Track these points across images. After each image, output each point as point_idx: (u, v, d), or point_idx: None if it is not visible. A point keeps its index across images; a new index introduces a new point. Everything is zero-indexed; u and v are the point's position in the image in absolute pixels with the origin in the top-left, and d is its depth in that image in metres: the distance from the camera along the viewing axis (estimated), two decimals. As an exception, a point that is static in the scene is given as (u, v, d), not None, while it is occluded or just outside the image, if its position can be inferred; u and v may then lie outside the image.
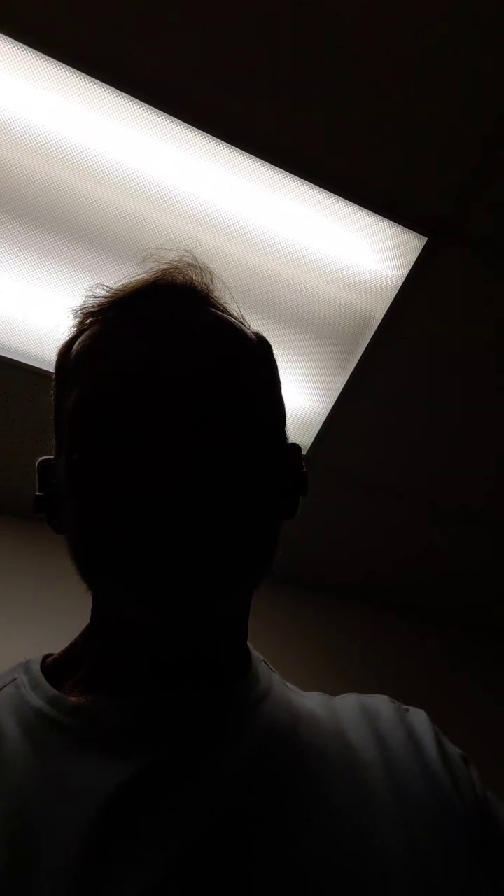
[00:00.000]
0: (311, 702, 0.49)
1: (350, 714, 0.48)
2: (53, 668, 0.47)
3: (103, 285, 0.47)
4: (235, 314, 0.51)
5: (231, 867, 0.34)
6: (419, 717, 0.48)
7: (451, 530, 1.70)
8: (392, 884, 0.35)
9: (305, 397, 1.40)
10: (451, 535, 1.71)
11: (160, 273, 0.48)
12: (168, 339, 0.44)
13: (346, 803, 0.39)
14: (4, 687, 0.45)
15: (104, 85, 0.99)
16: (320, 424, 1.45)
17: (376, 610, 1.88)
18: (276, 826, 0.37)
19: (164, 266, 0.49)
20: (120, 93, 1.00)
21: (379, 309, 1.26)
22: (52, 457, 0.50)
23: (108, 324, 0.47)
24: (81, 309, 0.48)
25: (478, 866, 0.39)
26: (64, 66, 0.97)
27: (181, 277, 0.48)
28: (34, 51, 0.95)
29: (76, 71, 0.97)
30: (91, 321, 0.48)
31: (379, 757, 0.43)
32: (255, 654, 0.50)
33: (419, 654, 1.83)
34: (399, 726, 0.47)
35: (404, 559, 1.78)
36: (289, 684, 0.51)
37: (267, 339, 0.53)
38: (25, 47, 0.95)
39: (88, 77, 0.98)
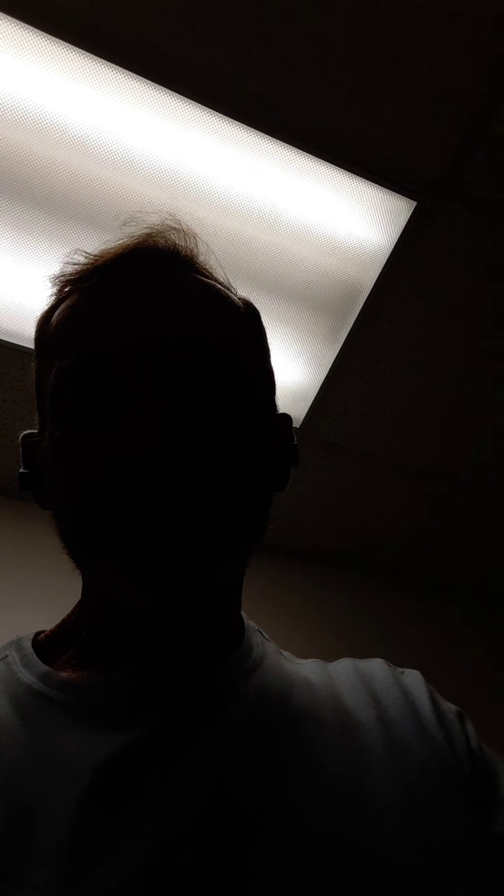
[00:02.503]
0: (306, 669, 0.49)
1: (345, 678, 0.47)
2: (45, 645, 0.47)
3: (82, 251, 0.46)
4: (221, 280, 0.49)
5: (227, 835, 0.34)
6: (414, 677, 0.48)
7: (446, 500, 1.70)
8: (391, 842, 0.35)
9: (297, 369, 1.38)
10: (446, 504, 1.71)
11: (142, 238, 0.46)
12: (152, 308, 0.43)
13: (342, 765, 0.39)
14: None
15: (79, 50, 0.95)
16: (313, 396, 1.44)
17: (371, 579, 1.89)
18: (271, 791, 0.37)
19: (146, 230, 0.47)
20: (94, 57, 0.96)
21: (369, 277, 1.23)
22: (35, 431, 0.49)
23: (88, 293, 0.45)
24: (60, 277, 0.46)
25: (472, 818, 0.39)
26: (37, 30, 0.93)
27: (164, 242, 0.46)
28: (11, 19, 0.91)
29: (50, 36, 0.94)
30: (70, 290, 0.46)
31: (374, 718, 0.43)
32: (250, 623, 0.50)
33: (416, 623, 1.85)
34: (394, 687, 0.46)
35: (399, 530, 1.79)
36: (284, 652, 0.51)
37: (255, 305, 0.51)
38: (8, 18, 0.91)
39: (62, 42, 0.94)
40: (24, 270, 1.19)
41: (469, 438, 1.54)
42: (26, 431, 0.50)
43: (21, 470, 0.48)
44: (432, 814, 0.38)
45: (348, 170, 1.09)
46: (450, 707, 0.47)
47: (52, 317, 0.47)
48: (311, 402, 1.45)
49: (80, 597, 0.49)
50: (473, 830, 0.38)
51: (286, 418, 0.52)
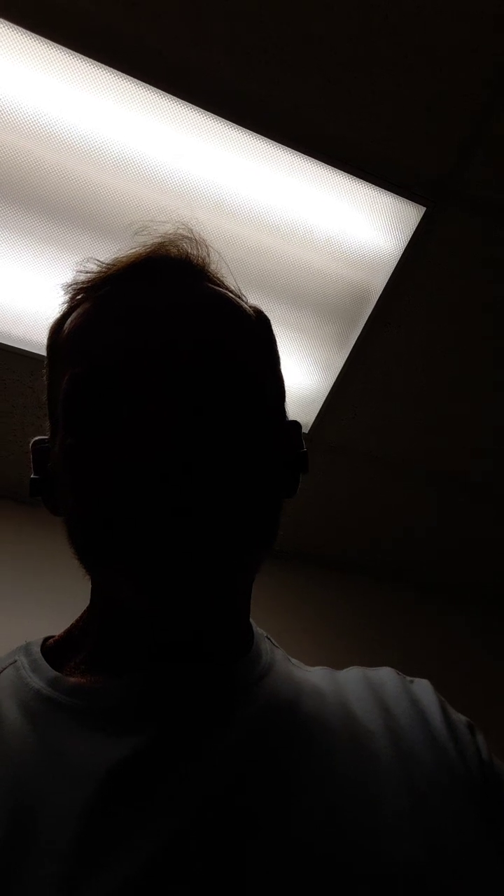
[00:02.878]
0: (315, 676, 0.49)
1: (354, 686, 0.47)
2: (54, 650, 0.47)
3: (94, 259, 0.46)
4: (233, 288, 0.50)
5: (232, 840, 0.34)
6: (424, 687, 0.48)
7: (454, 503, 1.69)
8: (398, 848, 0.35)
9: (306, 375, 1.39)
10: (454, 508, 1.70)
11: (154, 247, 0.46)
12: (163, 317, 0.43)
13: (351, 773, 0.39)
14: (4, 669, 0.45)
15: (88, 59, 0.96)
16: (322, 401, 1.44)
17: (376, 581, 1.89)
18: (278, 798, 0.36)
19: (158, 239, 0.47)
20: (105, 67, 0.97)
21: (378, 282, 1.24)
22: (46, 437, 0.49)
23: (100, 301, 0.45)
24: (72, 285, 0.47)
25: (483, 827, 0.39)
26: (45, 40, 0.94)
27: (176, 251, 0.47)
28: (14, 25, 0.92)
29: (57, 45, 0.94)
30: (82, 298, 0.46)
31: (383, 726, 0.43)
32: (259, 630, 0.50)
33: (423, 627, 1.84)
34: (404, 696, 0.46)
35: (407, 533, 1.78)
36: (293, 660, 0.51)
37: (265, 313, 0.52)
38: (6, 23, 0.92)
39: (70, 51, 0.95)
40: (34, 278, 1.20)
41: (475, 440, 1.53)
42: (37, 437, 0.50)
43: (32, 476, 0.49)
44: (442, 822, 0.38)
45: (357, 175, 1.09)
46: (460, 717, 0.47)
47: (64, 324, 0.47)
48: (319, 407, 1.45)
49: (88, 602, 0.49)
50: (484, 840, 0.38)
51: (296, 425, 0.52)
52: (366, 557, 1.86)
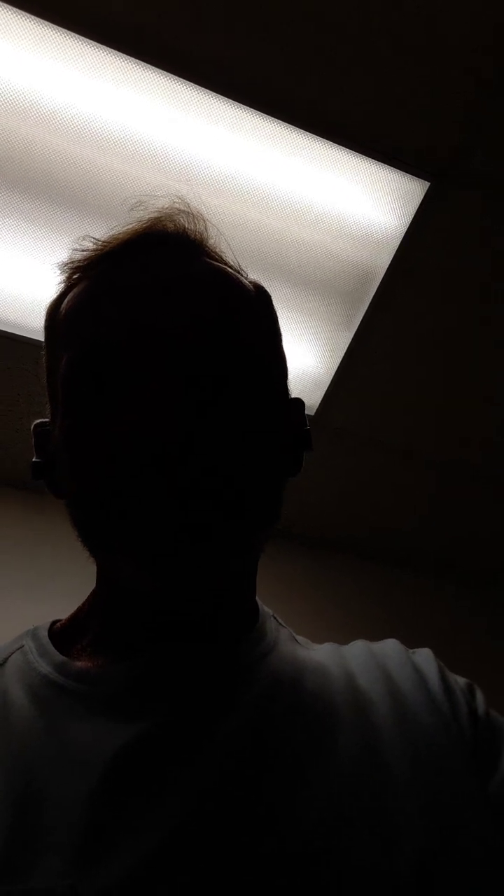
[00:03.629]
0: (320, 653, 0.49)
1: (359, 658, 0.47)
2: (61, 634, 0.47)
3: (90, 237, 0.45)
4: (231, 263, 0.49)
5: (239, 820, 0.34)
6: (425, 655, 0.49)
7: (460, 486, 1.68)
8: (401, 817, 0.36)
9: (312, 357, 1.37)
10: (461, 491, 1.69)
11: (150, 222, 0.45)
12: (161, 294, 0.42)
13: (354, 748, 0.39)
14: (12, 654, 0.45)
15: (85, 39, 0.94)
16: (328, 383, 1.42)
17: (384, 566, 1.89)
18: (283, 775, 0.36)
19: (154, 214, 0.46)
20: (102, 46, 0.95)
21: (382, 260, 1.22)
22: (47, 420, 0.49)
23: (97, 280, 0.44)
24: (68, 264, 0.46)
25: (474, 783, 0.39)
26: (41, 21, 0.92)
27: (172, 226, 0.46)
28: (8, 6, 0.91)
29: (53, 25, 0.93)
30: (79, 277, 0.45)
31: (386, 693, 0.43)
32: (264, 609, 0.49)
33: (429, 610, 1.84)
34: (407, 664, 0.47)
35: (413, 516, 1.78)
36: (299, 638, 0.51)
37: (265, 288, 0.51)
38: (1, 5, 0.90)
39: (67, 31, 0.93)
40: (37, 264, 1.19)
41: (487, 425, 1.52)
42: (38, 420, 0.50)
43: (34, 459, 0.48)
44: (438, 784, 0.38)
45: (360, 152, 1.07)
46: (459, 679, 0.47)
47: (61, 305, 0.46)
48: (325, 390, 1.44)
49: (94, 586, 0.49)
50: (476, 795, 0.39)
51: (299, 403, 0.51)
52: (372, 540, 1.85)
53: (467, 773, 0.40)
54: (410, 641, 0.51)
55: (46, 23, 0.92)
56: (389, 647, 0.49)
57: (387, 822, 0.35)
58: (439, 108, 1.02)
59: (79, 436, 0.41)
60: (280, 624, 0.50)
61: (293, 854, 0.33)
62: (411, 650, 0.50)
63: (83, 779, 0.34)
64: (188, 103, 1.02)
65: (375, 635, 0.54)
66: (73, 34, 0.94)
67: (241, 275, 0.49)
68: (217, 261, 0.47)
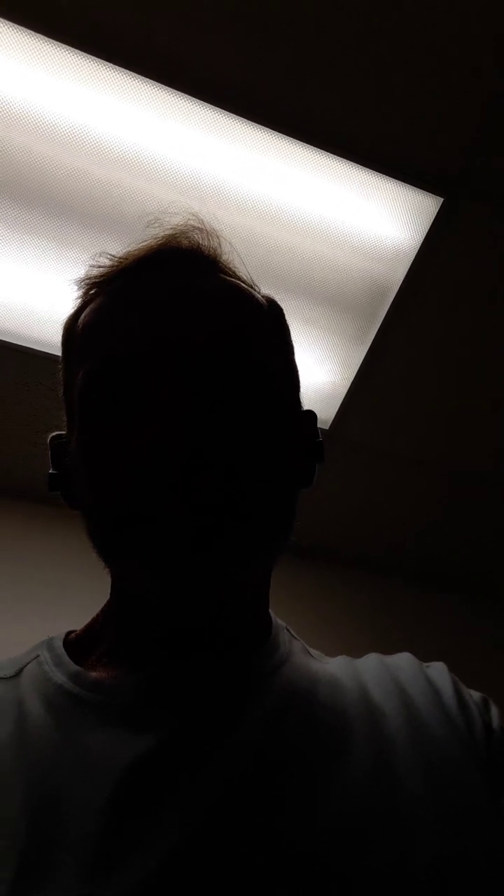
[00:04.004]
0: (333, 666, 0.49)
1: (372, 671, 0.47)
2: (76, 645, 0.47)
3: (107, 254, 0.46)
4: (245, 278, 0.49)
5: (252, 831, 0.34)
6: (439, 669, 0.48)
7: (475, 500, 1.67)
8: (416, 828, 0.36)
9: (326, 370, 1.38)
10: (475, 503, 1.68)
11: (165, 239, 0.46)
12: (175, 309, 0.43)
13: (367, 757, 0.39)
14: (28, 664, 0.45)
15: (98, 60, 0.96)
16: (342, 397, 1.43)
17: (400, 581, 1.87)
18: (297, 787, 0.36)
19: (169, 231, 0.47)
20: (116, 67, 0.97)
21: (396, 275, 1.22)
22: (63, 433, 0.50)
23: (113, 295, 0.45)
24: (85, 280, 0.47)
25: (488, 796, 0.39)
26: (53, 41, 0.94)
27: (187, 242, 0.47)
28: (24, 28, 0.93)
29: (68, 47, 0.95)
30: (95, 292, 0.46)
31: (399, 706, 0.43)
32: (278, 621, 0.49)
33: (444, 625, 1.82)
34: (420, 677, 0.47)
35: (428, 530, 1.76)
36: (312, 651, 0.51)
37: (277, 302, 0.51)
38: (14, 25, 0.93)
39: (82, 53, 0.96)
40: (53, 280, 1.21)
41: (497, 437, 1.51)
42: (54, 433, 0.50)
43: (50, 471, 0.49)
44: (452, 796, 0.38)
45: (374, 169, 1.08)
46: (473, 694, 0.47)
47: (78, 319, 0.47)
48: (339, 403, 1.44)
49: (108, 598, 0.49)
50: (489, 807, 0.38)
51: (311, 415, 0.52)
52: (386, 554, 1.84)
53: (481, 785, 0.39)
54: (424, 656, 0.51)
55: (63, 45, 0.95)
56: (403, 661, 0.49)
57: (401, 834, 0.35)
58: (452, 125, 1.03)
59: (94, 448, 0.42)
60: (293, 636, 0.50)
61: (307, 865, 0.33)
62: (425, 664, 0.49)
63: (98, 788, 0.35)
64: (204, 123, 1.04)
65: (388, 649, 0.54)
66: (88, 55, 0.96)
67: (254, 289, 0.50)
68: (230, 276, 0.48)
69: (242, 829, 0.34)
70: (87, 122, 1.03)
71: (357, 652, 0.54)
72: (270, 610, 0.50)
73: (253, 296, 0.48)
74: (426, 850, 0.35)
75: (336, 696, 0.44)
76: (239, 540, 0.39)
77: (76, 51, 0.96)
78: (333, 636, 1.63)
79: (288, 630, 0.50)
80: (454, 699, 0.45)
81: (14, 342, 1.30)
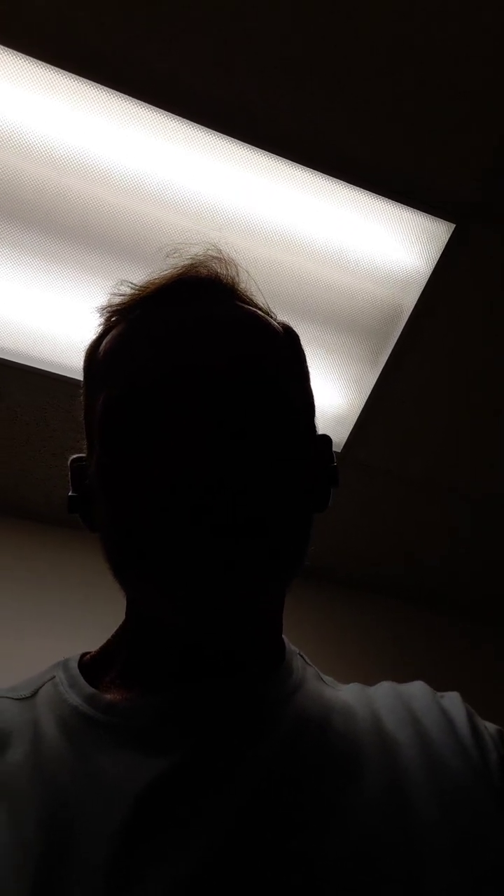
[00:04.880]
0: (346, 693, 0.48)
1: (385, 699, 0.47)
2: (90, 666, 0.47)
3: (128, 282, 0.47)
4: (262, 305, 0.51)
5: (267, 858, 0.34)
6: (453, 698, 0.48)
7: (488, 524, 1.66)
8: (429, 857, 0.35)
9: (339, 393, 1.39)
10: (488, 529, 1.67)
11: (184, 268, 0.48)
12: (195, 337, 0.44)
13: (381, 788, 0.39)
14: (44, 685, 0.45)
15: (115, 92, 1.00)
16: (354, 420, 1.43)
17: (413, 606, 1.85)
18: (310, 812, 0.36)
19: (189, 261, 0.48)
20: (132, 99, 1.00)
21: (409, 300, 1.24)
22: (84, 455, 0.51)
23: (133, 323, 0.47)
24: (107, 308, 0.48)
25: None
26: (72, 75, 0.98)
27: (206, 271, 0.48)
28: (47, 64, 0.97)
29: (86, 80, 0.98)
30: (116, 320, 0.48)
31: (413, 736, 0.43)
32: (291, 647, 0.50)
33: (460, 651, 1.79)
34: (434, 706, 0.46)
35: (440, 555, 1.75)
36: (325, 677, 0.50)
37: (294, 329, 0.52)
38: (36, 61, 0.96)
39: (98, 85, 0.99)
40: (69, 303, 1.23)
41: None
42: (75, 455, 0.51)
43: (70, 493, 0.50)
44: (466, 826, 0.38)
45: (387, 196, 1.10)
46: (489, 725, 0.46)
47: (99, 346, 0.49)
48: (352, 426, 1.44)
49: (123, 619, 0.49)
50: (502, 838, 0.38)
51: (326, 439, 0.52)
52: (399, 579, 1.83)
53: (496, 816, 0.39)
54: (438, 683, 0.50)
55: (83, 79, 0.98)
56: (416, 690, 0.49)
57: (414, 862, 0.35)
58: (464, 153, 1.04)
59: (113, 471, 0.43)
60: (307, 662, 0.50)
61: (320, 890, 0.33)
62: (439, 693, 0.49)
63: (112, 811, 0.35)
64: (222, 153, 1.06)
65: (400, 676, 0.53)
66: (108, 89, 0.99)
67: (271, 316, 0.51)
68: (247, 303, 0.49)
69: (255, 853, 0.34)
70: (115, 158, 1.07)
71: (368, 677, 0.54)
72: (284, 635, 0.50)
73: (270, 323, 0.49)
74: (439, 878, 0.34)
75: (349, 723, 0.43)
76: (257, 564, 0.40)
77: (109, 90, 0.99)
78: (344, 661, 1.62)
79: (301, 656, 0.50)
80: (468, 729, 0.44)
81: (37, 367, 1.33)
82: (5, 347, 1.30)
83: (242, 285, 0.49)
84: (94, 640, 0.53)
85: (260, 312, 0.49)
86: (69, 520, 0.50)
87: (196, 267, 0.48)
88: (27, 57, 0.96)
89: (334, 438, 1.45)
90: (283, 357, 0.49)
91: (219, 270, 0.48)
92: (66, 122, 1.03)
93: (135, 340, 0.46)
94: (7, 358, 1.32)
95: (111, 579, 0.45)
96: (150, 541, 0.40)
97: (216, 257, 0.49)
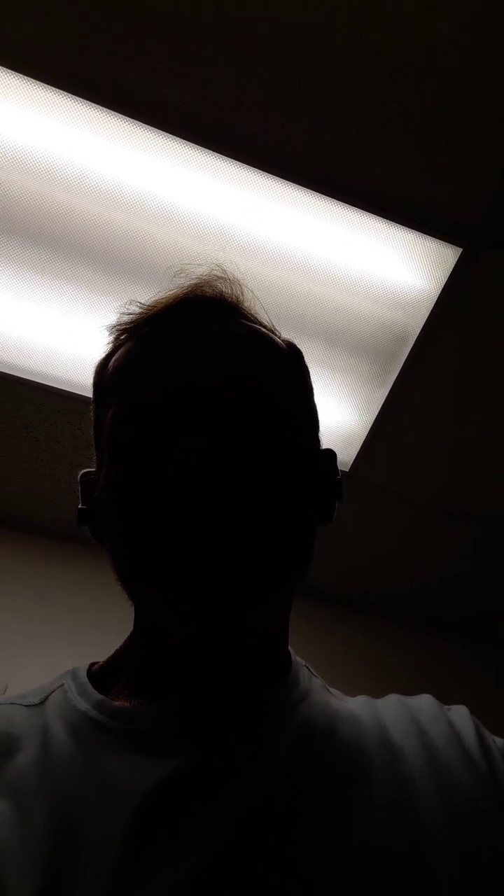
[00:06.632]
0: (353, 704, 0.49)
1: (392, 712, 0.47)
2: (99, 675, 0.48)
3: (136, 302, 0.49)
4: (266, 323, 0.52)
5: (269, 863, 0.34)
6: (460, 711, 0.48)
7: (493, 546, 1.65)
8: (437, 869, 0.35)
9: (346, 413, 1.40)
10: (493, 551, 1.66)
11: (190, 288, 0.49)
12: (199, 355, 0.45)
13: (388, 797, 0.39)
14: (53, 692, 0.46)
15: (124, 117, 1.03)
16: (362, 440, 1.44)
17: (417, 627, 1.84)
18: (315, 822, 0.37)
19: (195, 280, 0.50)
20: (141, 124, 1.04)
21: (416, 322, 1.25)
22: (93, 469, 0.52)
23: (141, 341, 0.48)
24: (116, 326, 0.50)
25: None
26: (81, 99, 1.01)
27: (211, 290, 0.50)
28: (54, 88, 1.00)
29: (97, 105, 1.02)
30: (125, 338, 0.49)
31: (420, 748, 0.43)
32: (297, 659, 0.50)
33: (458, 672, 1.77)
34: (441, 719, 0.46)
35: (445, 575, 1.74)
36: (332, 689, 0.51)
37: (297, 346, 0.54)
38: (46, 86, 1.00)
39: (109, 111, 1.02)
40: (80, 322, 1.26)
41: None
42: (84, 470, 0.53)
43: (80, 506, 0.51)
44: (474, 838, 0.37)
45: (394, 220, 1.12)
46: (496, 739, 0.46)
47: (108, 363, 0.50)
48: (359, 447, 1.45)
49: (131, 629, 0.50)
50: None
51: (330, 453, 0.53)
52: (405, 599, 1.82)
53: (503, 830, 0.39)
54: (442, 702, 0.51)
55: (97, 105, 1.02)
56: (424, 703, 0.49)
57: (422, 873, 0.35)
58: (472, 176, 1.06)
59: (121, 485, 0.44)
60: (312, 674, 0.51)
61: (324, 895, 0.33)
62: (446, 707, 0.49)
63: (118, 813, 0.35)
64: (222, 174, 1.09)
65: (404, 694, 0.54)
66: (122, 116, 1.03)
67: (275, 334, 0.52)
68: (252, 321, 0.50)
69: (260, 858, 0.34)
70: (124, 180, 1.10)
71: (370, 695, 0.54)
72: (290, 647, 0.51)
73: (271, 339, 0.50)
74: (447, 891, 0.34)
75: (355, 733, 0.44)
76: (255, 575, 0.41)
77: (124, 117, 1.03)
78: (347, 680, 1.61)
79: (307, 668, 0.51)
80: (476, 742, 0.44)
81: (48, 384, 1.35)
82: (17, 365, 1.33)
83: (247, 304, 0.51)
84: (101, 654, 0.53)
85: (263, 330, 0.50)
86: (77, 535, 0.52)
87: (201, 286, 0.49)
88: (44, 85, 1.00)
89: (342, 458, 1.46)
90: (284, 372, 0.50)
91: (223, 290, 0.50)
92: (83, 149, 1.07)
93: (142, 358, 0.47)
94: (19, 375, 1.34)
95: (117, 595, 0.46)
96: (153, 555, 0.41)
97: (221, 277, 0.50)
